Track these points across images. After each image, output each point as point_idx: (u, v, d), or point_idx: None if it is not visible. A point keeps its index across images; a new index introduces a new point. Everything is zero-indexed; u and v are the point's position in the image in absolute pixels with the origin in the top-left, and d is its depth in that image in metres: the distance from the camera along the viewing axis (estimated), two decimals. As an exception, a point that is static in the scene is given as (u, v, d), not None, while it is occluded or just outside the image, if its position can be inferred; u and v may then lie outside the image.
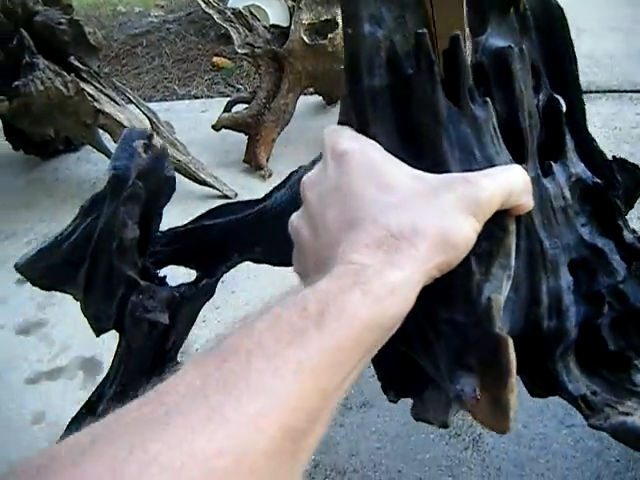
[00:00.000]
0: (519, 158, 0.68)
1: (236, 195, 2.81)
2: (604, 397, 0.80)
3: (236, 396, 0.37)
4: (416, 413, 0.80)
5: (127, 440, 0.34)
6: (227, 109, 3.04)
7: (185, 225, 1.13)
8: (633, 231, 0.81)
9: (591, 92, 3.08)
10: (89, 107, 2.75)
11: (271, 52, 2.86)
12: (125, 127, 2.65)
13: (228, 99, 3.17)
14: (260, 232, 1.07)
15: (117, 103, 2.84)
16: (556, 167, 0.75)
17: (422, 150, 0.63)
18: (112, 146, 2.78)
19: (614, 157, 0.81)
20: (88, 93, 2.73)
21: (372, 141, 0.56)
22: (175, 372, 0.39)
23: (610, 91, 3.08)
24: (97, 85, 2.81)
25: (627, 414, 0.77)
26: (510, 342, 0.60)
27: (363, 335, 0.42)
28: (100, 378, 1.75)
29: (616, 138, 2.74)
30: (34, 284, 1.10)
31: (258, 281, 2.31)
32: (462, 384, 0.63)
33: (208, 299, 1.14)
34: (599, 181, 0.78)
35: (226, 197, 2.79)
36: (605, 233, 0.80)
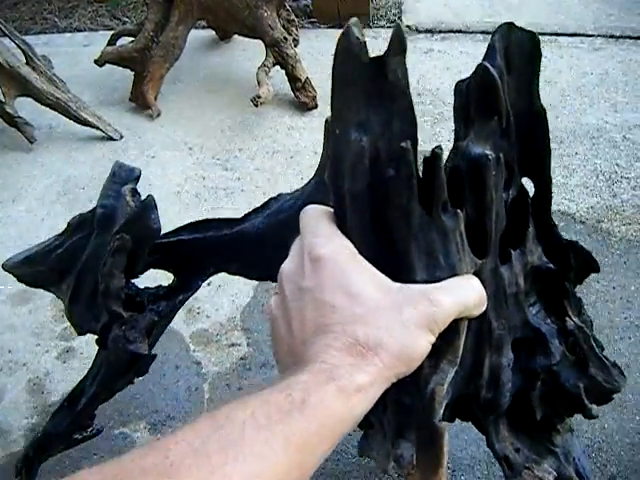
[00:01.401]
0: (482, 252, 0.77)
1: (121, 137, 2.61)
2: (525, 454, 0.93)
3: (233, 457, 0.45)
4: (361, 449, 0.84)
5: None
6: (111, 42, 2.82)
7: (165, 236, 1.19)
8: (580, 312, 0.94)
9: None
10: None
11: (158, -20, 2.65)
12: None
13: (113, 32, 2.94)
14: (237, 252, 1.17)
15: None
16: (515, 255, 0.84)
17: (393, 251, 0.70)
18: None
19: (569, 241, 0.91)
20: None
21: (346, 243, 0.63)
22: (172, 432, 0.48)
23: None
24: (-38, 15, 2.54)
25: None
26: (445, 436, 0.70)
27: (335, 424, 0.52)
28: None
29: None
30: (20, 281, 1.21)
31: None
32: (402, 449, 0.74)
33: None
34: (552, 267, 0.89)
35: (111, 139, 2.60)
36: (552, 314, 0.91)
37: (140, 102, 2.76)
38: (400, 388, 0.70)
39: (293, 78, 2.63)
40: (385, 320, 0.56)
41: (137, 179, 1.16)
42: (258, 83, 2.52)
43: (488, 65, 0.78)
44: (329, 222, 0.65)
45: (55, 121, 2.68)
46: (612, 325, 1.70)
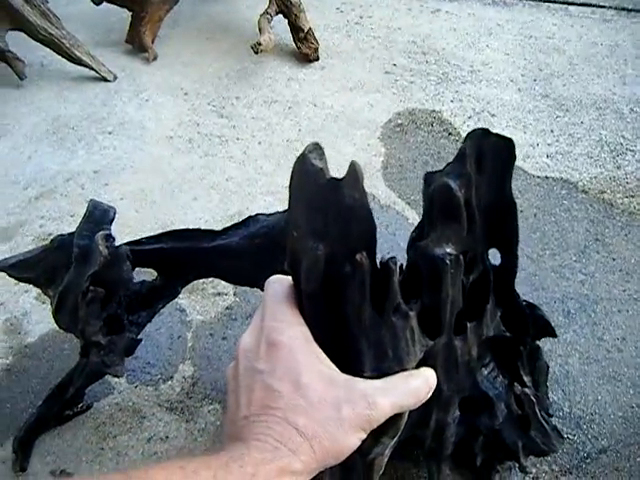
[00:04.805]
0: (435, 332, 0.86)
1: (115, 78, 2.53)
2: None
3: None
4: None
5: None
6: (109, -19, 2.71)
7: (148, 240, 1.25)
8: (535, 361, 1.08)
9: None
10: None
11: None
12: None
13: (111, -31, 2.83)
14: (216, 264, 1.23)
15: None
16: (470, 327, 0.91)
17: (346, 341, 0.76)
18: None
19: (529, 305, 1.02)
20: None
21: (304, 330, 0.69)
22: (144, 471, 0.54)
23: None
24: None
25: None
26: None
27: None
28: None
29: (532, 47, 2.63)
30: (11, 277, 1.30)
31: (136, 173, 2.09)
32: None
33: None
34: (508, 335, 0.98)
35: (104, 79, 2.51)
36: (503, 373, 1.02)
37: (136, 44, 2.67)
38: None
39: (296, 28, 2.54)
40: (324, 415, 0.61)
41: (111, 221, 1.22)
42: (259, 30, 2.43)
43: (451, 183, 0.83)
44: (290, 305, 0.70)
45: (47, 58, 2.60)
46: (610, 297, 1.65)
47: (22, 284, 1.64)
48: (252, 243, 1.16)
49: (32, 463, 1.36)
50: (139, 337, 1.31)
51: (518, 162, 1.99)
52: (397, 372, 0.83)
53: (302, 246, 0.76)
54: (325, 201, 0.75)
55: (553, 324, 1.41)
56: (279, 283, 0.73)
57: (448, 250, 0.84)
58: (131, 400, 1.47)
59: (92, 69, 2.53)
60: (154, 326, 1.60)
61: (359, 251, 0.75)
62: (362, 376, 0.82)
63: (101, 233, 1.16)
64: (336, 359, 0.78)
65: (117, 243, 1.22)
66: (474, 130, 0.86)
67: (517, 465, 1.09)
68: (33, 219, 1.93)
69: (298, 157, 0.76)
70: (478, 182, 0.86)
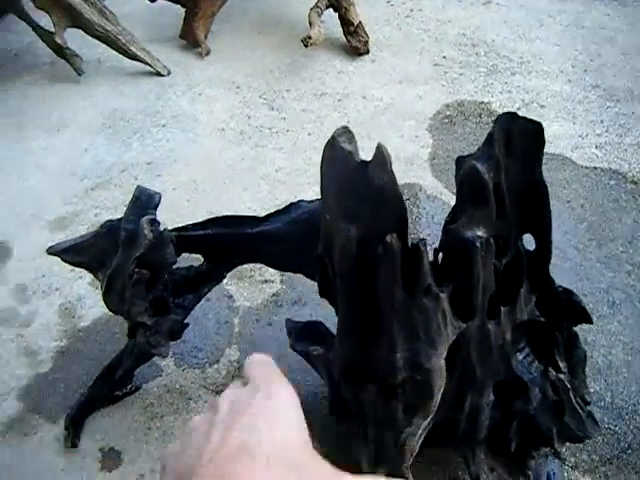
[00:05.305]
0: (468, 315, 0.86)
1: (169, 73, 2.58)
2: (499, 474, 1.04)
3: None
4: (340, 442, 1.04)
5: None
6: (163, -22, 2.77)
7: (194, 227, 1.29)
8: (574, 349, 1.07)
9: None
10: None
11: None
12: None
13: (166, -32, 2.89)
14: (259, 249, 1.26)
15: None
16: (504, 311, 0.91)
17: (377, 322, 0.80)
18: (37, 16, 2.55)
19: (566, 292, 1.01)
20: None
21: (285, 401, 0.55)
22: None
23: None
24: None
25: None
26: None
27: None
28: (9, 265, 1.64)
29: (583, 38, 2.59)
30: (64, 261, 1.35)
31: (188, 164, 2.14)
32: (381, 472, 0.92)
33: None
34: (542, 320, 0.98)
35: (159, 74, 2.57)
36: (539, 359, 1.01)
37: (190, 39, 2.72)
38: (382, 426, 0.87)
39: (346, 21, 2.56)
40: None
41: (157, 206, 1.26)
42: (310, 24, 2.45)
43: (478, 166, 0.85)
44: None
45: (104, 54, 2.66)
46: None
47: (77, 271, 1.71)
48: (294, 229, 1.17)
49: (83, 440, 1.41)
50: (186, 321, 1.35)
51: (567, 153, 1.98)
52: (428, 353, 0.84)
53: (334, 228, 0.79)
54: (355, 183, 0.78)
55: (597, 315, 1.40)
56: (259, 360, 0.62)
57: (479, 233, 0.85)
58: (178, 382, 1.51)
59: (147, 64, 2.58)
60: (202, 311, 1.63)
61: (390, 233, 0.77)
62: (394, 356, 0.84)
63: (146, 217, 1.20)
64: (368, 339, 0.80)
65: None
66: (502, 114, 0.88)
67: (553, 452, 1.09)
68: (88, 209, 1.99)
69: (328, 141, 0.79)
70: (508, 166, 0.88)
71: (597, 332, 1.50)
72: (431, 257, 0.90)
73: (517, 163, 0.87)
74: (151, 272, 1.22)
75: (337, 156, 0.79)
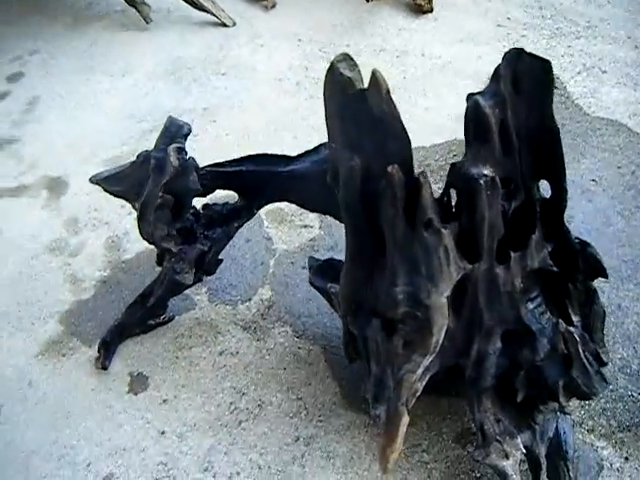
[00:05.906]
0: (474, 257, 0.86)
1: (234, 24, 2.61)
2: (505, 425, 1.03)
3: None
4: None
5: None
6: None
7: (229, 163, 1.34)
8: (592, 304, 1.04)
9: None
10: None
11: None
12: None
13: None
14: (290, 188, 1.27)
15: None
16: (514, 257, 0.90)
17: (382, 254, 0.82)
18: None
19: (582, 244, 0.99)
20: None
21: None
22: None
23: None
24: None
25: (505, 456, 1.00)
26: (405, 420, 0.85)
27: None
28: (64, 199, 1.69)
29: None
30: (105, 191, 1.41)
31: (243, 112, 2.17)
32: (379, 411, 0.90)
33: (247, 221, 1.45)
34: (555, 269, 0.95)
35: (224, 25, 2.60)
36: (551, 309, 0.99)
37: (257, -8, 2.74)
38: (382, 361, 0.88)
39: (412, -22, 2.53)
40: None
41: (186, 136, 1.31)
42: (375, -20, 2.44)
43: (480, 100, 0.86)
44: None
45: (173, 4, 2.72)
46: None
47: (127, 207, 1.76)
48: (321, 168, 1.18)
49: (114, 364, 1.47)
50: (223, 259, 1.38)
51: (624, 119, 1.91)
52: (429, 290, 0.84)
53: (340, 156, 0.79)
54: (355, 112, 0.77)
55: (635, 282, 1.37)
56: None
57: (485, 172, 0.84)
58: (210, 316, 1.55)
59: (213, 15, 2.62)
60: (240, 252, 1.67)
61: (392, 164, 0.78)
62: (395, 290, 0.84)
63: (173, 146, 1.25)
64: (372, 271, 0.80)
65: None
66: (509, 50, 0.86)
67: (559, 407, 1.08)
68: (144, 149, 2.04)
69: (328, 67, 0.79)
70: (516, 104, 0.86)
71: (633, 299, 1.46)
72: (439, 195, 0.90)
73: (526, 102, 0.86)
74: (176, 200, 1.26)
75: (336, 82, 0.79)
